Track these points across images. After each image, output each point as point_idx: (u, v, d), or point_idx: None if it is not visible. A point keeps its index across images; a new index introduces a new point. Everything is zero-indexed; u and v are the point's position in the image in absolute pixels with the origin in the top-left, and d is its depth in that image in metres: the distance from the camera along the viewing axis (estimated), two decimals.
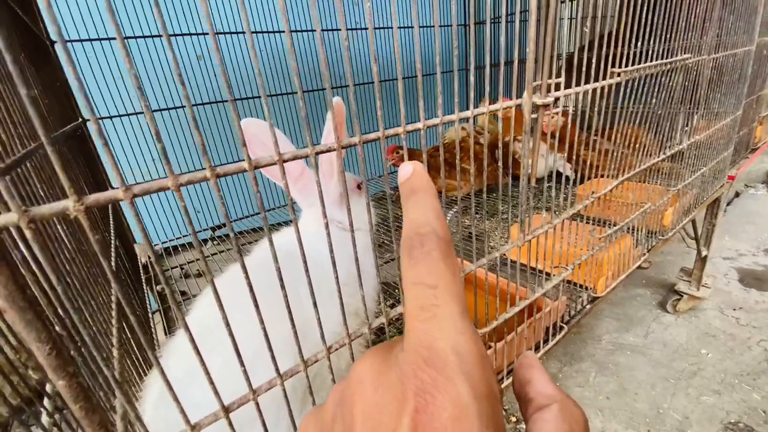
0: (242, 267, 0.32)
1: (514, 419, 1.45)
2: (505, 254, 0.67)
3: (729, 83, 1.33)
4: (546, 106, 0.57)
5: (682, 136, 1.17)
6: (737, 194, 3.15)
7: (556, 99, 0.58)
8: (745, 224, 2.66)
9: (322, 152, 0.35)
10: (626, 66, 0.70)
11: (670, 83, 0.92)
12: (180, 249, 1.57)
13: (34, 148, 0.49)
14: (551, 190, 0.72)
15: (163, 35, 0.26)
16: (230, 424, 0.34)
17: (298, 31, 1.94)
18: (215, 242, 1.67)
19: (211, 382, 0.31)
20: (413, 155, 1.83)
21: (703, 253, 1.81)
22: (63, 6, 1.32)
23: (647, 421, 1.38)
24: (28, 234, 0.27)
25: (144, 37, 1.44)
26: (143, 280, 1.20)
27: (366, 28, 1.94)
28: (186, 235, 1.61)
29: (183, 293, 1.27)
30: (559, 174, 1.23)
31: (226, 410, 0.34)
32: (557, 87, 0.59)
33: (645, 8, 0.74)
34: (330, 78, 0.34)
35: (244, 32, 1.71)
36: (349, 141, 0.37)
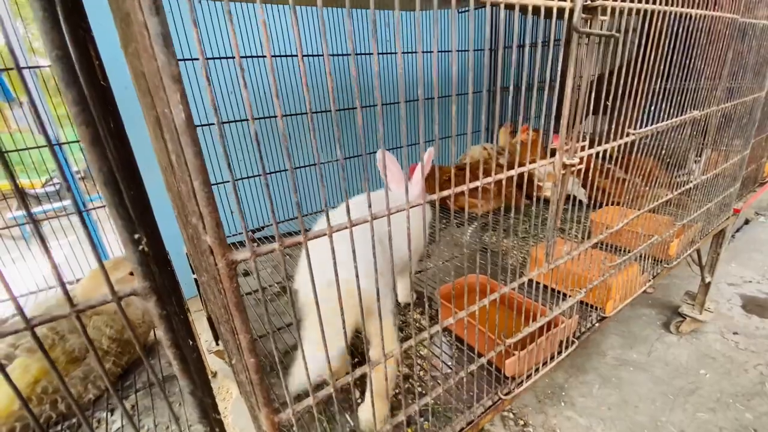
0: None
1: (522, 422, 1.58)
2: (525, 275, 0.82)
3: (737, 128, 1.46)
4: (572, 165, 0.72)
5: (694, 170, 1.30)
6: (747, 221, 3.23)
7: (581, 159, 0.73)
8: (753, 252, 2.76)
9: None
10: (639, 128, 0.85)
11: (679, 135, 1.06)
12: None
13: None
14: (567, 212, 0.86)
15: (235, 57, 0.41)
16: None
17: (336, 55, 2.10)
18: (255, 244, 1.84)
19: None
20: (442, 171, 1.98)
21: (707, 280, 1.93)
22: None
23: None
24: (252, 264, 0.42)
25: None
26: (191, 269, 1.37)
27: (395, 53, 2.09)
28: (233, 234, 1.77)
29: None
30: (574, 197, 1.37)
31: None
32: (582, 148, 0.74)
33: (657, 72, 0.88)
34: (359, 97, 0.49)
35: (295, 55, 1.88)
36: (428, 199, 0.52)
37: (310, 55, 1.97)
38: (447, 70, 2.50)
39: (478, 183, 0.60)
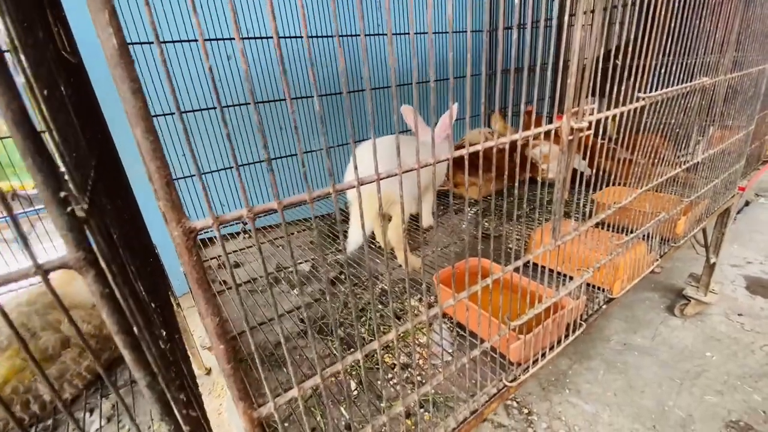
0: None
1: (526, 411, 1.54)
2: (530, 255, 0.76)
3: (743, 101, 1.40)
4: (581, 129, 0.65)
5: (697, 149, 1.25)
6: (747, 203, 3.20)
7: (590, 123, 0.67)
8: (754, 233, 2.72)
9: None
10: (649, 92, 0.78)
11: (688, 104, 1.00)
12: (215, 240, 1.67)
13: None
14: (570, 193, 0.80)
15: (199, 40, 0.35)
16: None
17: (316, 36, 2.02)
18: (247, 235, 1.77)
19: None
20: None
21: (712, 260, 1.88)
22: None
23: (653, 417, 1.47)
24: (217, 234, 0.36)
25: (174, 42, 1.53)
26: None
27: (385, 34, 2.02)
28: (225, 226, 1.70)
29: (224, 282, 1.37)
30: (575, 173, 1.31)
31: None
32: (591, 111, 0.68)
33: (667, 31, 0.82)
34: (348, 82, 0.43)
35: (270, 37, 1.80)
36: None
37: (288, 37, 1.89)
38: (444, 52, 2.42)
39: (479, 146, 0.54)
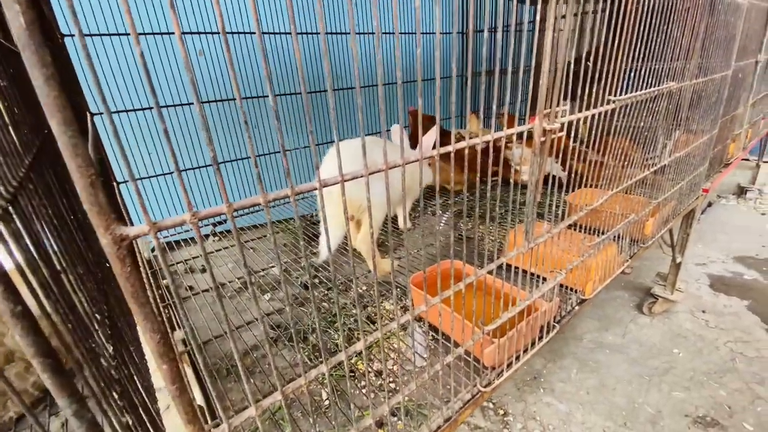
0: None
1: (501, 412, 1.54)
2: (503, 257, 0.75)
3: (707, 106, 1.44)
4: (553, 131, 0.65)
5: (664, 152, 1.27)
6: (710, 204, 3.34)
7: (562, 124, 0.66)
8: (717, 233, 2.84)
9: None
10: (619, 95, 0.79)
11: (656, 108, 1.02)
12: (183, 244, 1.60)
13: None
14: (545, 196, 0.80)
15: (176, 33, 0.32)
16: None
17: (303, 33, 1.98)
18: (217, 238, 1.70)
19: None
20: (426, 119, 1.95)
21: (678, 260, 1.94)
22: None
23: (624, 414, 1.49)
24: (155, 242, 0.32)
25: (153, 33, 1.46)
26: (149, 275, 1.24)
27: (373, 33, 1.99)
28: (190, 230, 1.63)
29: (190, 288, 1.30)
30: (553, 177, 1.31)
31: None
32: (563, 113, 0.67)
33: (637, 36, 0.82)
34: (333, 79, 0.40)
35: (253, 33, 1.74)
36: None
37: (271, 33, 1.84)
38: (412, 53, 2.41)
39: (450, 148, 0.52)
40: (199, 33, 1.58)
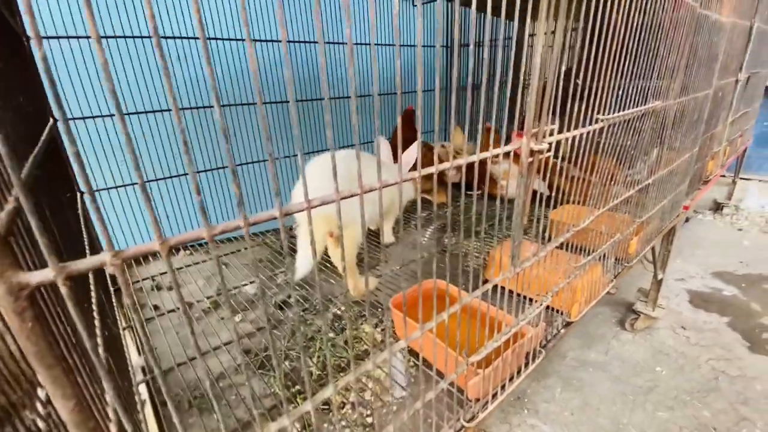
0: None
1: None
2: (488, 280, 0.70)
3: (689, 124, 1.45)
4: (540, 151, 0.61)
5: (648, 171, 1.26)
6: (687, 219, 3.40)
7: (550, 144, 0.62)
8: (695, 248, 2.88)
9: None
10: (607, 114, 0.76)
11: (642, 126, 1.00)
12: (151, 258, 1.50)
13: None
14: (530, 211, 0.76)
15: (153, 36, 0.26)
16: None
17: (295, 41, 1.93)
18: (188, 252, 1.61)
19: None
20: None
21: (659, 276, 1.94)
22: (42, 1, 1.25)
23: None
24: (63, 290, 0.26)
25: (127, 37, 1.38)
26: (112, 293, 1.15)
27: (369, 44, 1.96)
28: None
29: (156, 307, 1.21)
30: (534, 192, 1.29)
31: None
32: (551, 132, 0.63)
33: (625, 54, 0.80)
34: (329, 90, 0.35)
35: (242, 39, 1.69)
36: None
37: (261, 41, 1.78)
38: (391, 66, 2.39)
39: (432, 169, 0.47)
40: (174, 38, 1.51)
